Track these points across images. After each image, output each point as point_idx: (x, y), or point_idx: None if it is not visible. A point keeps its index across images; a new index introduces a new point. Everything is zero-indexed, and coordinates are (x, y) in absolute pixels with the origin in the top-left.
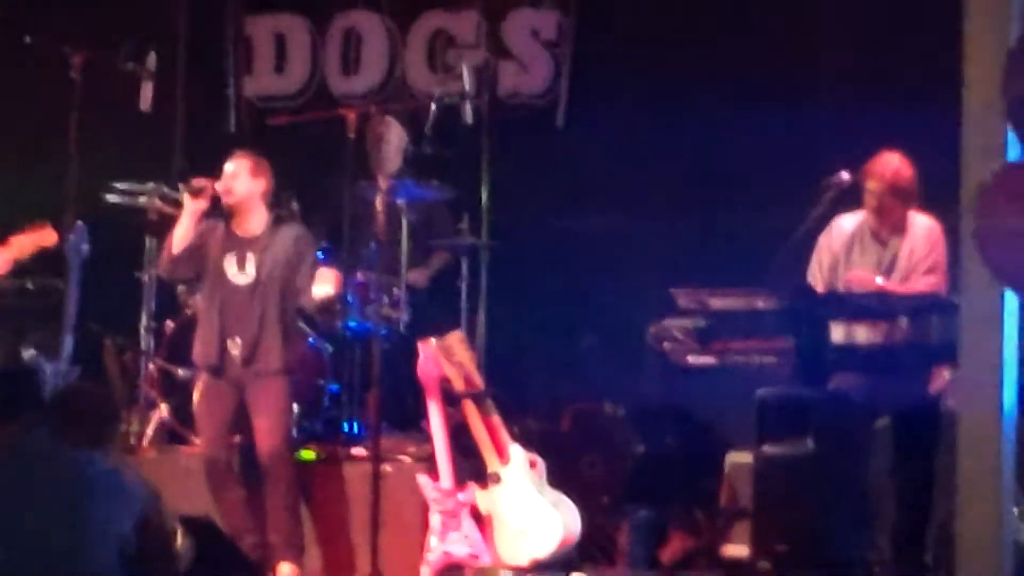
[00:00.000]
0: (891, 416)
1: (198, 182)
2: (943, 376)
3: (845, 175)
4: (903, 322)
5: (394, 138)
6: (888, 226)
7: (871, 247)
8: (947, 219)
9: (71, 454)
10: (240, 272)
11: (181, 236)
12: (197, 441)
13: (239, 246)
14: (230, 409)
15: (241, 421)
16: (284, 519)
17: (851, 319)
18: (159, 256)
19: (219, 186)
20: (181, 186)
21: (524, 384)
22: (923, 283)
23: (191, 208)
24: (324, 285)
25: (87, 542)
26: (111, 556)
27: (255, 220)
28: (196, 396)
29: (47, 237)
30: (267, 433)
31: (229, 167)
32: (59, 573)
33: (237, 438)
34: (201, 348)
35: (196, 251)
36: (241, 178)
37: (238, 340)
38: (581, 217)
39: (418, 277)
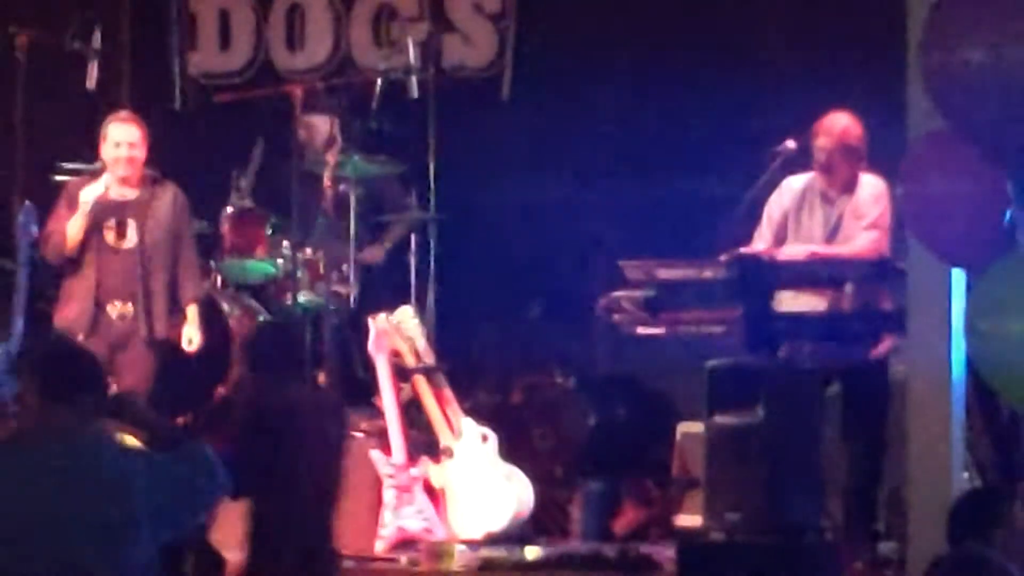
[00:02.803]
0: (840, 383)
1: (99, 193)
2: (888, 341)
3: (791, 143)
4: (849, 288)
5: (323, 131)
6: (837, 184)
7: (819, 207)
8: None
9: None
10: (120, 239)
11: (75, 233)
12: None
13: (117, 211)
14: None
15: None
16: None
17: (797, 287)
18: (46, 241)
19: (119, 154)
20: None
21: (475, 358)
22: (864, 239)
23: (88, 208)
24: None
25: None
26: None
27: (130, 183)
28: None
29: None
30: None
31: (125, 135)
32: None
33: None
34: (73, 312)
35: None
36: (138, 148)
37: (117, 304)
38: (529, 189)
39: (375, 253)
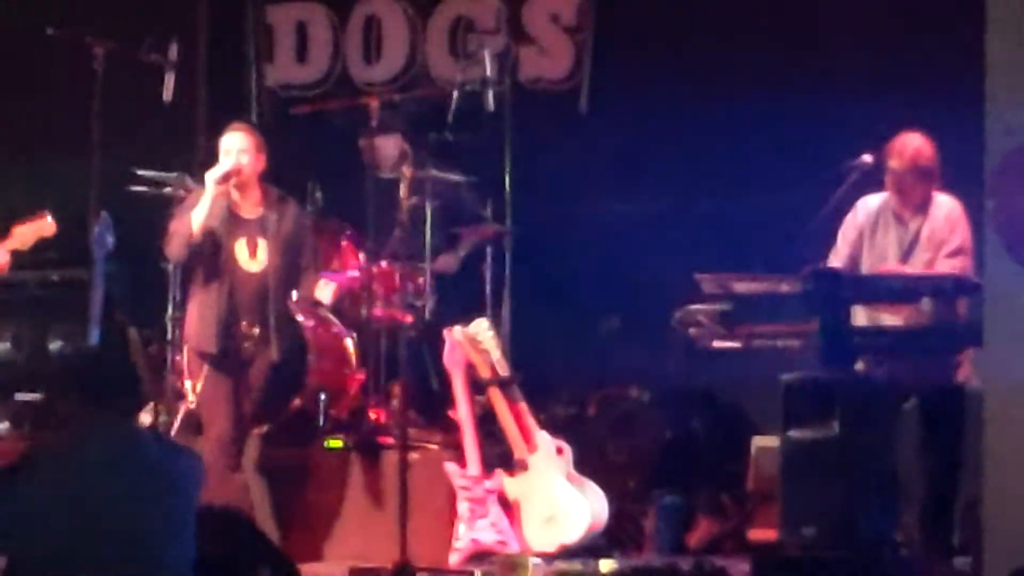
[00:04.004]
0: (917, 398)
1: (227, 169)
2: (968, 365)
3: (867, 158)
4: (926, 304)
5: (390, 153)
6: (910, 206)
7: (893, 227)
8: (972, 201)
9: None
10: (252, 259)
11: (201, 220)
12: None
13: (246, 230)
14: (235, 399)
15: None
16: None
17: (874, 302)
18: (169, 241)
19: (227, 161)
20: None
21: (550, 370)
22: (948, 266)
23: (214, 192)
24: (325, 291)
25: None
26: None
27: (254, 199)
28: (199, 387)
29: (46, 228)
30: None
31: (235, 142)
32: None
33: (262, 429)
34: (201, 334)
35: (210, 235)
36: (249, 154)
37: (244, 324)
38: (605, 202)
39: (448, 263)
